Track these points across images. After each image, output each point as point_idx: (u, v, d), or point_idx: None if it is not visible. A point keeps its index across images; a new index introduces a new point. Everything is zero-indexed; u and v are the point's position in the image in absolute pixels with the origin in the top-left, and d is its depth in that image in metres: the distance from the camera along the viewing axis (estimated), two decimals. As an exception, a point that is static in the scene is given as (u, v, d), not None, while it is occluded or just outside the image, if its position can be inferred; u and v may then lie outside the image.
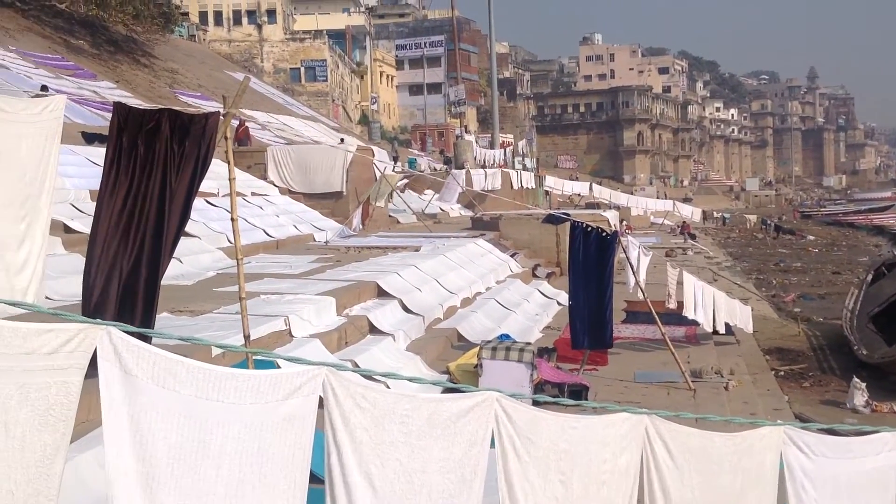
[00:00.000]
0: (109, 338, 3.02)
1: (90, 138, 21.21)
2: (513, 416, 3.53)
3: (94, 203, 14.95)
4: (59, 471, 3.00)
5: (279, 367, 7.17)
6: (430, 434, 3.47)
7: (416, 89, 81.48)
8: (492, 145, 52.87)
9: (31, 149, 6.19)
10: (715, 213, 70.43)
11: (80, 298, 6.23)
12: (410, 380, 4.56)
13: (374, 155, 29.41)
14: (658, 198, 72.67)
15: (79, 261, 11.83)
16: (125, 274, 5.99)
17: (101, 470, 4.60)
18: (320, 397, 3.36)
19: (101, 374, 3.00)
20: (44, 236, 6.34)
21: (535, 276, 20.64)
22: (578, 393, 10.27)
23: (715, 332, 14.27)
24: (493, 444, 3.59)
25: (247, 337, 7.43)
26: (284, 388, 3.22)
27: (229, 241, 16.63)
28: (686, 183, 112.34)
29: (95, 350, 3.02)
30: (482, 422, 3.51)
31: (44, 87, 23.88)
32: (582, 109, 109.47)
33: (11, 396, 2.92)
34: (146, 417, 3.03)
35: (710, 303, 14.03)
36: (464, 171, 37.52)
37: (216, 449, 3.11)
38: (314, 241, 20.74)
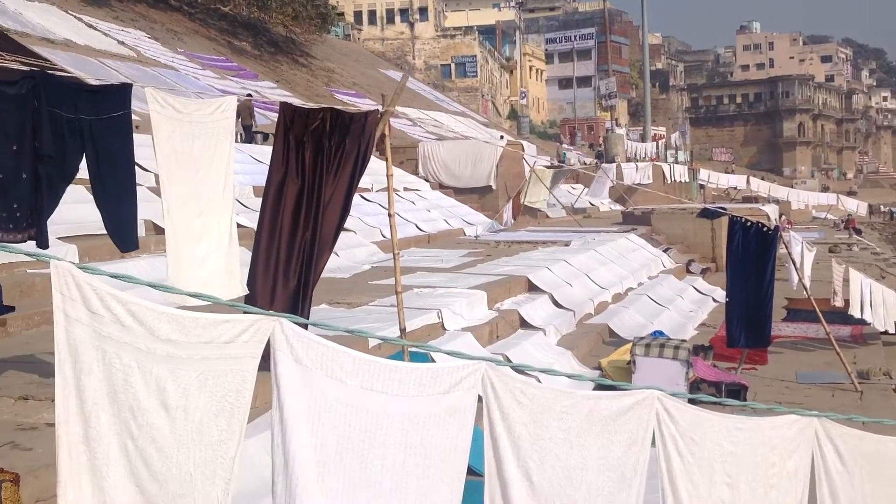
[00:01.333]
0: (281, 328, 3.15)
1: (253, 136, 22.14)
2: (675, 416, 3.47)
3: (258, 198, 15.59)
4: (234, 454, 3.15)
5: (433, 360, 7.30)
6: (590, 431, 3.45)
7: (565, 83, 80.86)
8: (643, 138, 51.94)
9: (204, 148, 6.51)
10: (882, 207, 66.82)
11: (247, 290, 6.51)
12: (568, 376, 4.53)
13: (523, 149, 29.40)
14: (820, 191, 69.60)
15: (245, 254, 12.38)
16: (291, 266, 6.24)
17: (266, 455, 4.82)
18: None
19: (274, 363, 3.13)
20: (224, 232, 6.64)
21: (689, 272, 20.15)
22: (737, 393, 9.97)
23: (884, 332, 13.56)
24: (653, 444, 3.54)
25: (403, 329, 7.59)
26: (446, 381, 3.28)
27: (383, 235, 17.00)
28: (850, 176, 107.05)
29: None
30: (643, 420, 3.46)
31: (248, 95, 24.81)
32: (739, 100, 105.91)
33: (191, 383, 3.09)
34: (316, 406, 3.14)
35: (880, 301, 13.33)
36: (614, 164, 37.01)
37: (381, 439, 3.20)
38: (464, 235, 20.93)
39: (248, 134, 22.00)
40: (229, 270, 6.90)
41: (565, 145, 60.05)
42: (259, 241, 6.49)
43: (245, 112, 21.85)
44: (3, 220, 5.82)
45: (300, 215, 6.35)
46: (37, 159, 5.81)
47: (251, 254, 6.58)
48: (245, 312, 3.27)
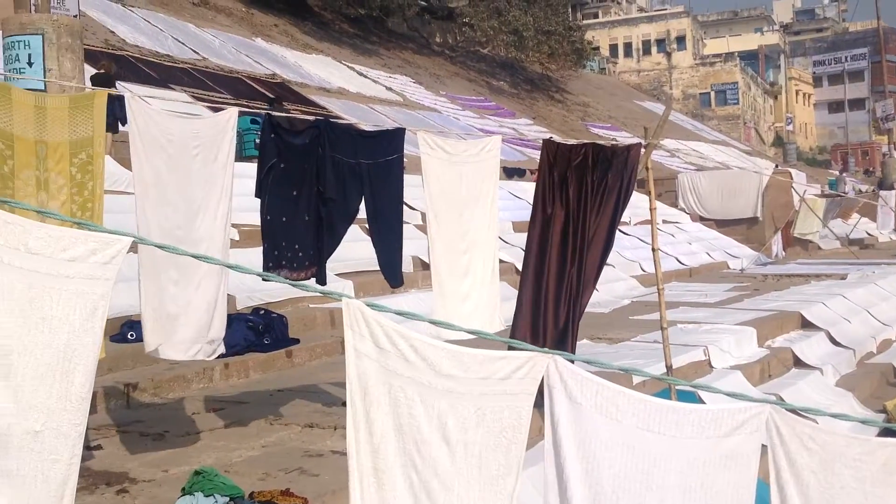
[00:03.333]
0: (556, 365, 3.16)
1: (510, 173, 22.59)
2: None
3: (518, 234, 15.85)
4: (512, 490, 3.19)
5: (701, 400, 7.05)
6: (887, 482, 3.19)
7: (835, 106, 76.27)
8: (927, 162, 47.71)
9: (471, 187, 6.73)
10: None
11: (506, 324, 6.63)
12: (862, 421, 4.21)
13: (791, 178, 27.95)
14: None
15: (505, 289, 12.61)
16: (560, 302, 6.28)
17: (533, 489, 4.84)
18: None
19: (549, 400, 3.15)
20: (487, 268, 6.83)
21: None
22: None
23: None
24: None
25: (669, 367, 7.40)
26: (727, 424, 3.15)
27: (642, 269, 16.72)
28: None
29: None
30: None
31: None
32: None
33: (469, 418, 3.17)
34: (591, 445, 3.12)
35: None
36: (893, 191, 34.29)
37: (658, 481, 3.12)
38: (728, 268, 20.14)
39: None
40: (491, 305, 7.06)
41: (840, 173, 56.43)
42: (525, 278, 6.59)
43: None
44: (287, 259, 6.29)
45: (566, 251, 6.40)
46: (320, 203, 6.24)
47: (518, 289, 6.69)
48: (510, 348, 3.32)
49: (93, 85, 13.77)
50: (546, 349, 3.26)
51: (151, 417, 6.67)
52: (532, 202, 6.75)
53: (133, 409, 6.89)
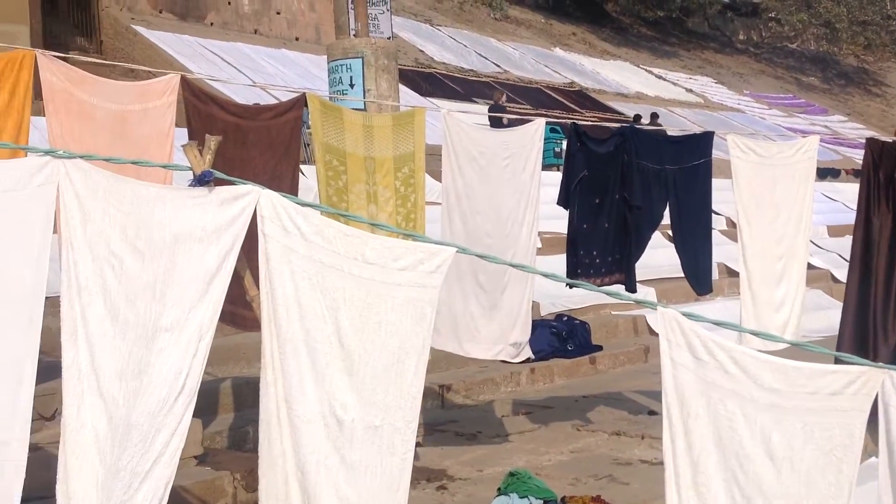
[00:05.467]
0: (892, 382, 2.94)
1: (823, 173, 21.22)
2: None
3: (833, 238, 14.87)
4: (848, 510, 3.01)
5: None
6: None
7: None
8: None
9: (785, 190, 6.41)
10: None
11: (836, 334, 6.23)
12: None
13: None
14: None
15: (819, 297, 11.87)
16: (887, 313, 5.83)
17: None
18: None
19: (883, 418, 2.93)
20: (800, 275, 6.49)
21: None
22: None
23: None
24: None
25: None
26: None
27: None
28: None
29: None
30: None
31: None
32: None
33: (796, 434, 3.02)
34: None
35: None
36: None
37: None
38: None
39: None
40: (801, 313, 6.69)
41: None
42: (850, 286, 6.16)
43: None
44: (587, 266, 6.34)
45: (895, 257, 5.92)
46: (626, 210, 6.23)
47: (843, 299, 6.28)
48: (837, 361, 3.12)
49: (489, 112, 16.18)
50: (879, 363, 3.04)
51: (464, 418, 6.98)
52: (856, 205, 6.31)
53: (447, 410, 7.24)
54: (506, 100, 18.14)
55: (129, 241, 3.08)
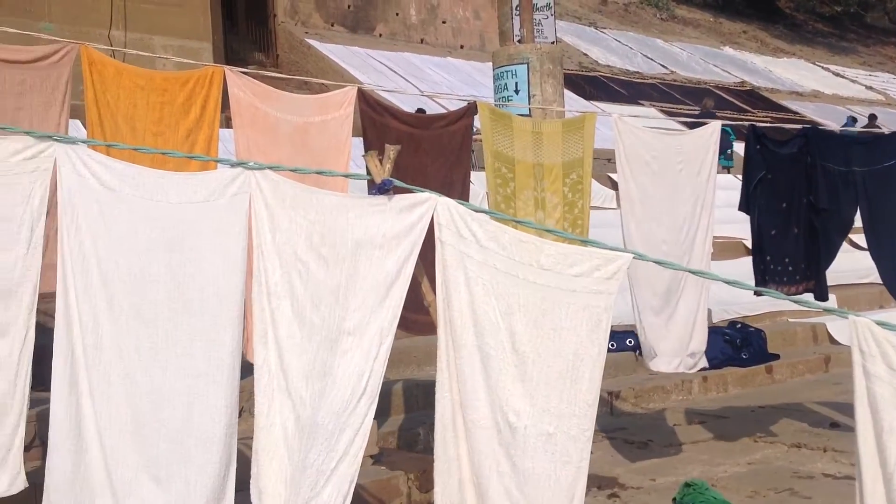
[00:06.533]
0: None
1: None
2: None
3: None
4: None
5: None
6: None
7: None
8: None
9: None
10: None
11: None
12: None
13: None
14: None
15: None
16: None
17: None
18: None
19: None
20: None
21: None
22: None
23: None
24: None
25: None
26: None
27: None
28: None
29: None
30: None
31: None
32: None
33: None
34: None
35: None
36: None
37: None
38: None
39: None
40: None
41: None
42: None
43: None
44: (777, 273, 6.10)
45: None
46: (812, 214, 5.98)
47: None
48: None
49: (697, 117, 16.23)
50: None
51: (634, 425, 6.87)
52: None
53: (616, 417, 7.14)
54: (713, 106, 17.97)
55: (314, 248, 3.21)
